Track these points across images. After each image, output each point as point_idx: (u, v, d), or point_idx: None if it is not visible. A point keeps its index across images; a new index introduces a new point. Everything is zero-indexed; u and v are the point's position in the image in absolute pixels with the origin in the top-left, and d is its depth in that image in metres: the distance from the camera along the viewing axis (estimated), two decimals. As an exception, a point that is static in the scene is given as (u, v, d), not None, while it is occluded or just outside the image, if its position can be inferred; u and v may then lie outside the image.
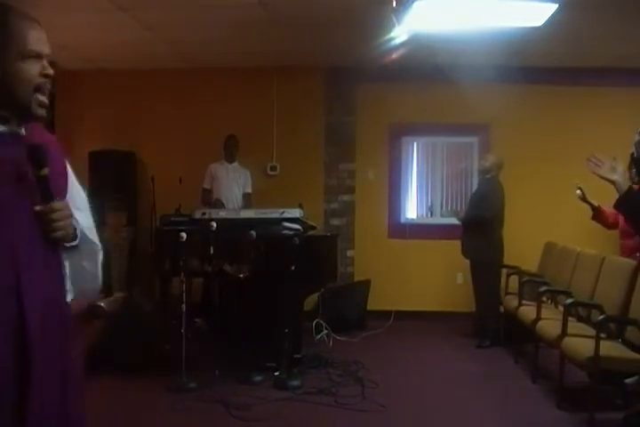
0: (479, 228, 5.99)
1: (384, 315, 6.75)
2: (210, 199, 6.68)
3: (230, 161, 6.80)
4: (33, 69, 1.51)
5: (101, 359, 4.66)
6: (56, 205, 1.53)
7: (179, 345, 4.60)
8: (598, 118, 6.91)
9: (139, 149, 7.39)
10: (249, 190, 6.83)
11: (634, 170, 3.85)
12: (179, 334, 4.61)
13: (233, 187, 6.75)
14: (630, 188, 2.81)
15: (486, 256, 5.99)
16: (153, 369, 4.81)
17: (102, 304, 5.33)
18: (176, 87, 7.32)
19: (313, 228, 5.56)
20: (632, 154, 3.30)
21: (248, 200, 6.80)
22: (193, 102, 7.31)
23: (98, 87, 7.32)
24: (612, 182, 2.78)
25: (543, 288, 5.17)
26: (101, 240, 1.81)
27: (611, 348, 3.97)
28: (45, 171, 1.53)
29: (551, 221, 6.83)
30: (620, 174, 2.79)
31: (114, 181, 6.99)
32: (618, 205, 2.87)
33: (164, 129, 7.33)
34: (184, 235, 4.67)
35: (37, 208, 1.51)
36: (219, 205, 6.49)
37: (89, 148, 7.16)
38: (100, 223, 1.88)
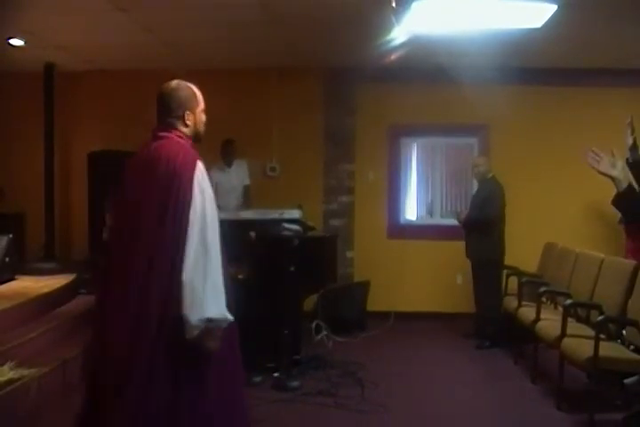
0: (481, 228, 5.99)
1: (383, 316, 6.75)
2: None
3: (230, 165, 6.76)
4: (204, 118, 2.77)
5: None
6: None
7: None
8: (598, 119, 6.89)
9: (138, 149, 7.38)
10: (247, 182, 6.80)
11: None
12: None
13: (236, 189, 6.73)
14: (630, 185, 2.76)
15: (488, 255, 5.99)
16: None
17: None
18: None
19: (312, 228, 5.56)
20: (627, 159, 3.26)
21: (247, 193, 6.77)
22: (192, 103, 7.29)
23: (97, 88, 7.31)
24: (612, 178, 2.72)
25: (543, 289, 5.17)
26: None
27: (610, 348, 3.97)
28: None
29: (551, 222, 6.82)
30: (620, 170, 2.74)
31: (113, 182, 6.96)
32: (616, 202, 2.80)
33: (164, 130, 7.31)
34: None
35: None
36: None
37: (88, 148, 7.16)
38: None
